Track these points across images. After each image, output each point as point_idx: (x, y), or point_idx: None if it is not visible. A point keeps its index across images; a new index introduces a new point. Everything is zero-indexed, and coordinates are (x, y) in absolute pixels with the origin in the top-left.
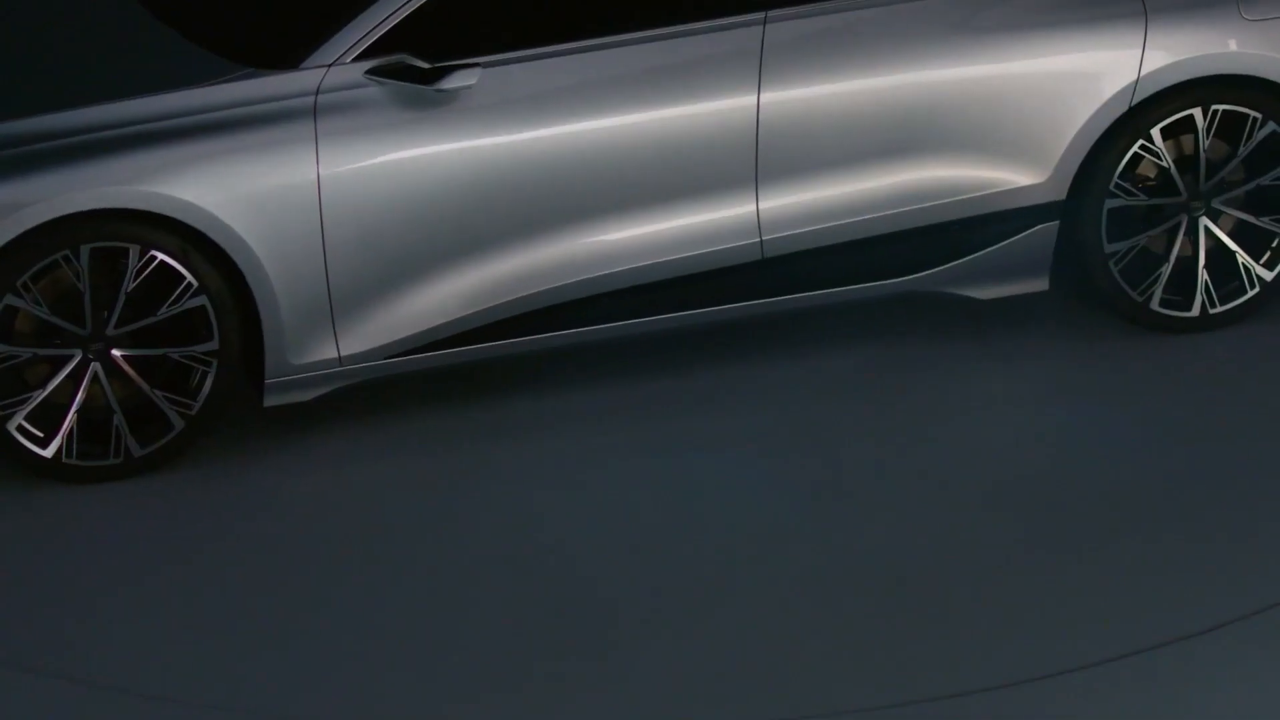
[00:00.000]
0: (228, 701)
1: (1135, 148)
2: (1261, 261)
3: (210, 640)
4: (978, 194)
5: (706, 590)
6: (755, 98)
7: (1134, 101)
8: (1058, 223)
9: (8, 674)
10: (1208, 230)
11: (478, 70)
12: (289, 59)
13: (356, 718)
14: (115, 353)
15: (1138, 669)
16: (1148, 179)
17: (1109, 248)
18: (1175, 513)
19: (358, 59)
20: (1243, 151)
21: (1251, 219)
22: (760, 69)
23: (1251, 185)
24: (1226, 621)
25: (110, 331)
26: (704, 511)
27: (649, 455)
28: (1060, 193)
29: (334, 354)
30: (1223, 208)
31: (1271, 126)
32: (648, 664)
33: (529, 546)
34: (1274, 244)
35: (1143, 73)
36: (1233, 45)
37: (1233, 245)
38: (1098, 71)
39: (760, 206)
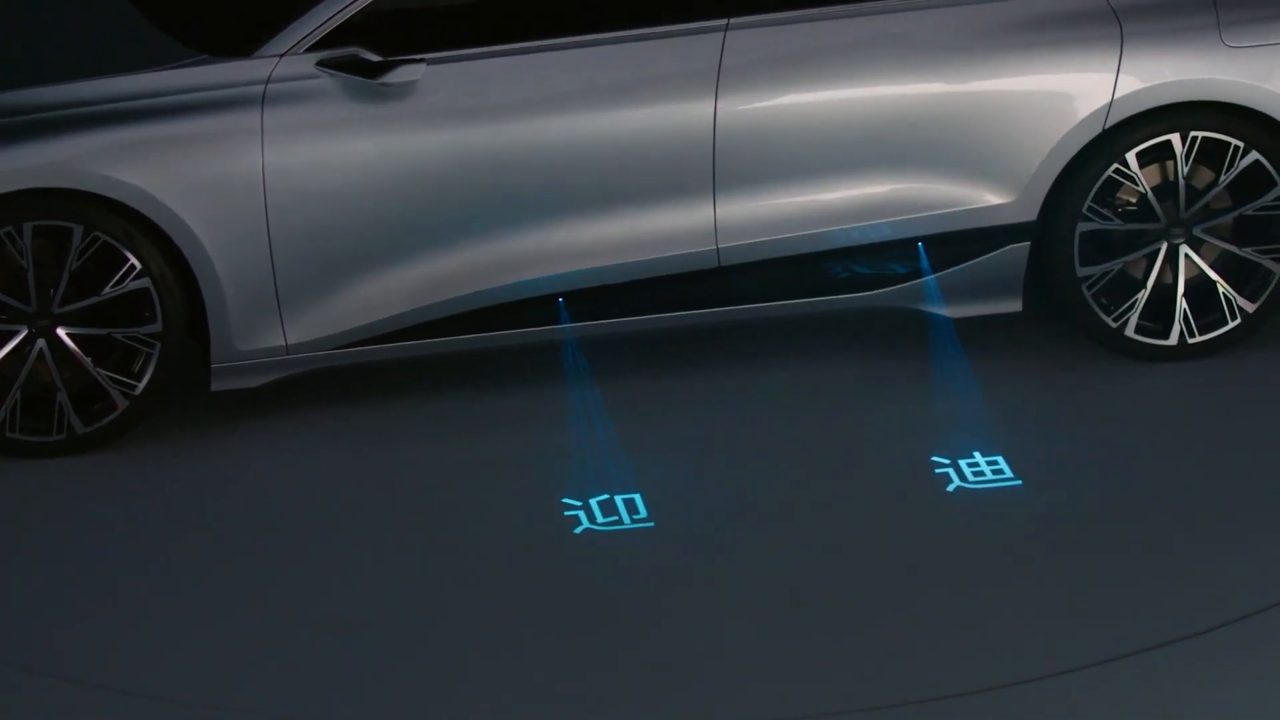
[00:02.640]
0: (228, 701)
1: (1110, 171)
2: (1244, 293)
3: (209, 640)
4: (942, 211)
5: (706, 588)
6: (713, 105)
7: (1108, 124)
8: (1029, 244)
9: (8, 674)
10: (1188, 259)
11: (422, 66)
12: (244, 47)
13: (356, 717)
14: (60, 331)
15: (1138, 669)
16: (1127, 203)
17: (1081, 271)
18: (1173, 515)
19: (311, 50)
20: (1224, 180)
21: (1234, 249)
22: (719, 76)
23: (1233, 214)
24: (1226, 621)
25: (56, 309)
26: (699, 511)
27: (632, 455)
28: (1030, 214)
29: (281, 342)
30: (1205, 236)
31: (1254, 155)
32: (644, 663)
33: (515, 542)
34: (1258, 275)
35: (1116, 95)
36: (1213, 72)
37: (1214, 275)
38: (1070, 92)
39: (718, 214)
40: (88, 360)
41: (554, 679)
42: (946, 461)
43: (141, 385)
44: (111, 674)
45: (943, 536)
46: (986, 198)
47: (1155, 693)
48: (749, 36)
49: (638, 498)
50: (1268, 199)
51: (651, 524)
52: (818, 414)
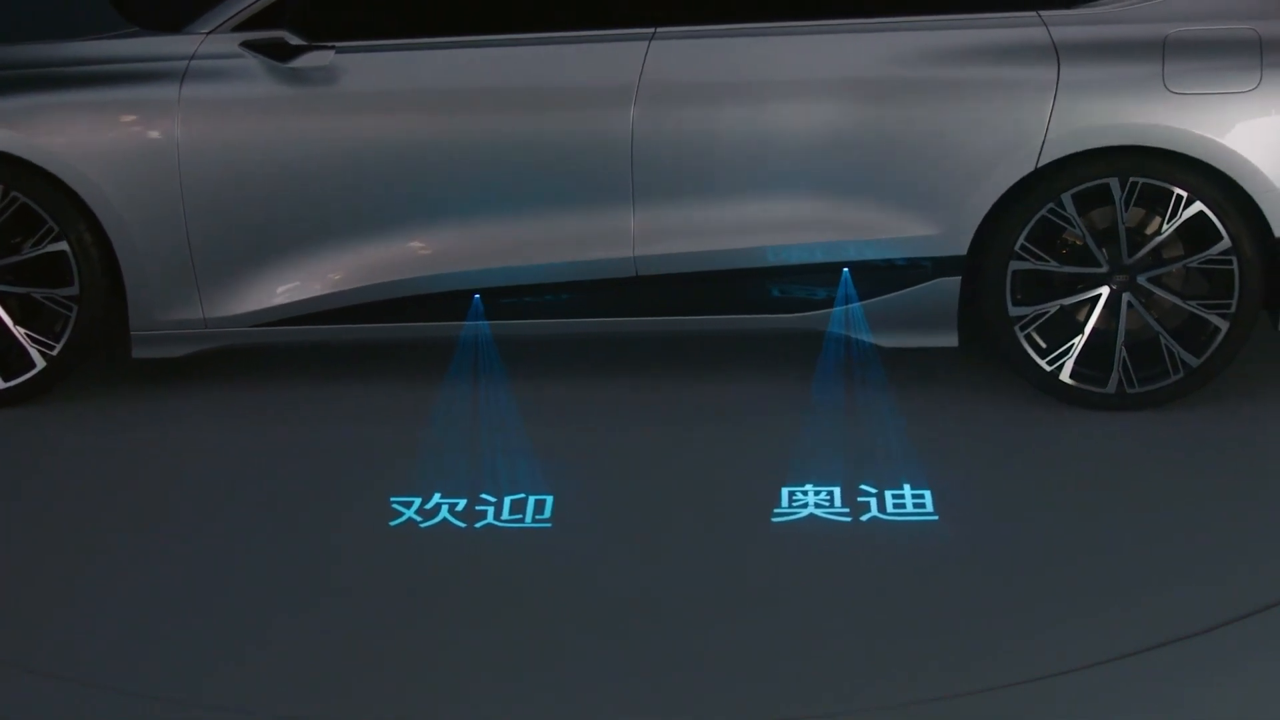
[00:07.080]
0: (228, 702)
1: (1044, 211)
2: (1188, 346)
3: (208, 639)
4: (865, 238)
5: (707, 587)
6: (630, 112)
7: (1040, 163)
8: (959, 278)
9: (8, 674)
10: (1130, 307)
11: (330, 54)
12: (175, 22)
13: (355, 717)
14: None
15: (1138, 669)
16: (1071, 245)
17: (1014, 311)
18: (1173, 514)
19: (239, 29)
20: (1166, 230)
21: (1179, 301)
22: (638, 85)
23: (1174, 266)
24: (1226, 621)
25: None
26: (697, 511)
27: (601, 451)
28: (960, 247)
29: (199, 315)
30: (1150, 286)
31: (1198, 206)
32: (643, 662)
33: (507, 540)
34: (1205, 329)
35: (1050, 134)
36: (1153, 117)
37: (1156, 326)
38: (1002, 126)
39: (635, 223)
40: (7, 318)
41: (551, 677)
42: (873, 491)
43: (59, 346)
44: (110, 674)
45: (935, 540)
46: (912, 227)
47: (1155, 693)
48: (674, 48)
49: (548, 499)
50: (1213, 252)
51: (550, 525)
52: (768, 428)
